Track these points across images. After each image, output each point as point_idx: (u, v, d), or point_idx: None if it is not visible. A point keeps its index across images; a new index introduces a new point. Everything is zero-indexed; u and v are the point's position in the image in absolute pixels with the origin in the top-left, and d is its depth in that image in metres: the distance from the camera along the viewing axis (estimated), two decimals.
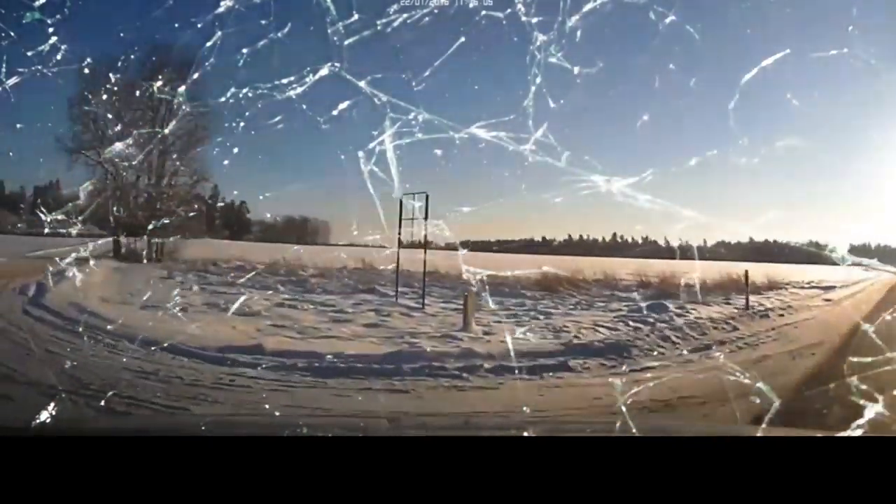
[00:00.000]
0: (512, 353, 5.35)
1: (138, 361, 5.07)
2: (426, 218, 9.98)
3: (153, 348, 5.27)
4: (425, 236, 10.74)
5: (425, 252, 11.02)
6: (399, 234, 11.22)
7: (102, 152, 19.87)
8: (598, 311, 9.41)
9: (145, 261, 18.81)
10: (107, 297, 9.95)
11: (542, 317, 8.90)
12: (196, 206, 20.92)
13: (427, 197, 10.74)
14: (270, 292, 10.88)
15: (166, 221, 19.28)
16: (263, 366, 5.10)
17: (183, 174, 20.38)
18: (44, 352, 5.32)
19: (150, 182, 20.45)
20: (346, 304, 9.80)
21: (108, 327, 6.40)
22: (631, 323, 7.72)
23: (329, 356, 5.26)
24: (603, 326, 7.64)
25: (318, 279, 12.36)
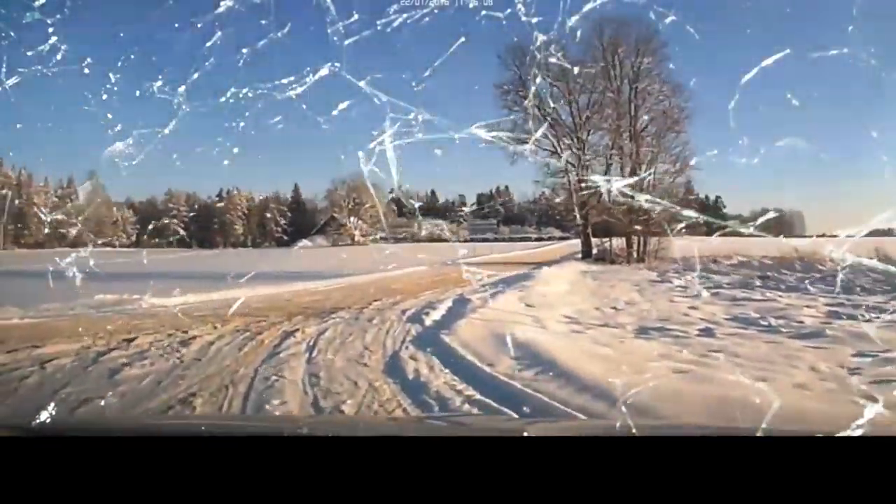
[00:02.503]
0: None
1: None
2: None
3: None
4: None
5: None
6: None
7: (560, 143, 17.48)
8: None
9: (624, 262, 16.37)
10: (575, 313, 6.75)
11: None
12: (680, 197, 18.11)
13: None
14: (799, 294, 8.29)
15: (647, 216, 16.49)
16: None
17: (662, 161, 17.63)
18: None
19: (625, 171, 17.46)
20: None
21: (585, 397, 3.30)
22: None
23: None
24: None
25: (850, 276, 8.82)
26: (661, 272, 12.13)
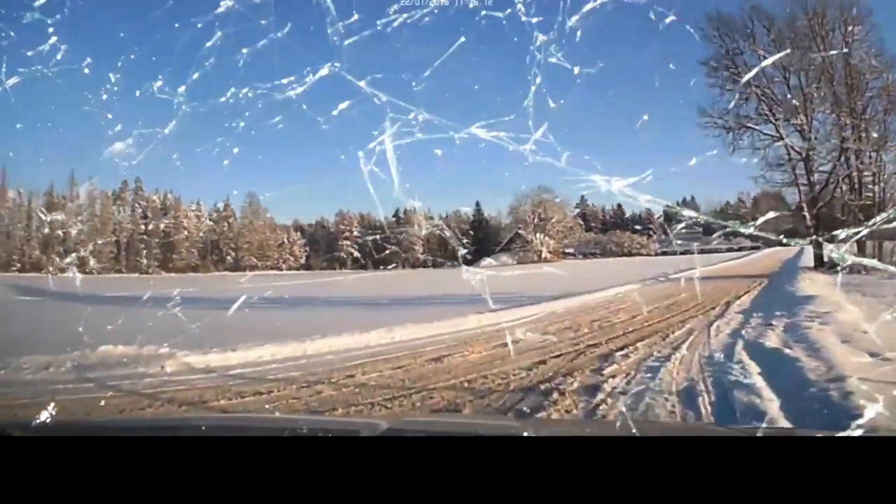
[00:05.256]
0: None
1: None
2: None
3: None
4: None
5: None
6: None
7: (781, 127, 13.78)
8: None
9: (862, 270, 14.13)
10: None
11: None
12: None
13: None
14: None
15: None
16: None
17: (891, 148, 14.67)
18: None
19: (857, 160, 14.64)
20: None
21: None
22: None
23: None
24: None
25: None
26: None
